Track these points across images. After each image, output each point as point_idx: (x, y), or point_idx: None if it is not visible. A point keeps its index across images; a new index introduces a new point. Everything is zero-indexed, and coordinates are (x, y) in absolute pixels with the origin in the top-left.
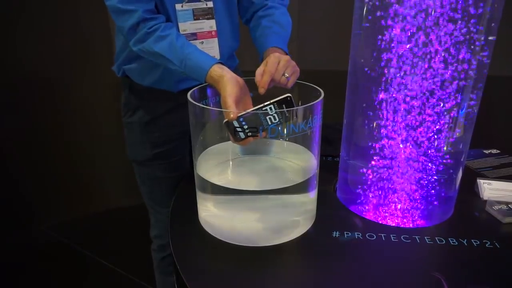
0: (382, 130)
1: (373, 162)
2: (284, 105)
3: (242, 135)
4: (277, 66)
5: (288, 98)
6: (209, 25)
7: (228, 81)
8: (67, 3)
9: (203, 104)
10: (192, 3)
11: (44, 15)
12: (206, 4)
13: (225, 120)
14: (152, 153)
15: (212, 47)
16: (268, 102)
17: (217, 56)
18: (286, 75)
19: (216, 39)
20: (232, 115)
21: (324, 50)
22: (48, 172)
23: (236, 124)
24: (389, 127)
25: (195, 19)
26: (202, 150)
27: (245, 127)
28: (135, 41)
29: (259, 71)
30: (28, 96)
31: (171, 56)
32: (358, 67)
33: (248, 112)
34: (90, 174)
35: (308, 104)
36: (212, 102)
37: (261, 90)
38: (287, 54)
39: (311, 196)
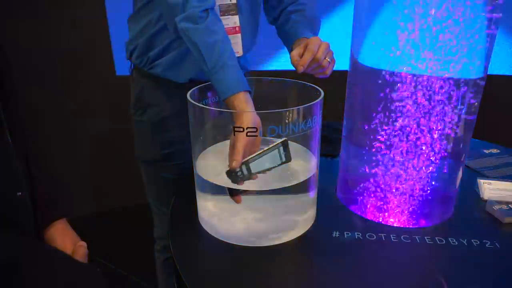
0: (382, 130)
1: (373, 162)
2: (281, 148)
3: (237, 179)
4: (318, 47)
5: (285, 143)
6: (233, 21)
7: (251, 117)
8: (67, 2)
9: (203, 104)
10: None
11: (43, 14)
12: (230, 0)
13: (226, 170)
14: (162, 154)
15: (236, 43)
16: (267, 148)
17: (240, 52)
18: (328, 59)
19: (239, 35)
20: (234, 164)
21: None
22: (48, 172)
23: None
24: (389, 127)
25: (221, 15)
26: (202, 150)
27: (245, 173)
28: (184, 17)
29: (295, 52)
30: (27, 95)
31: (208, 56)
32: (358, 67)
33: (250, 158)
34: (91, 174)
35: (308, 104)
36: (212, 102)
37: (300, 68)
38: None
39: (311, 196)
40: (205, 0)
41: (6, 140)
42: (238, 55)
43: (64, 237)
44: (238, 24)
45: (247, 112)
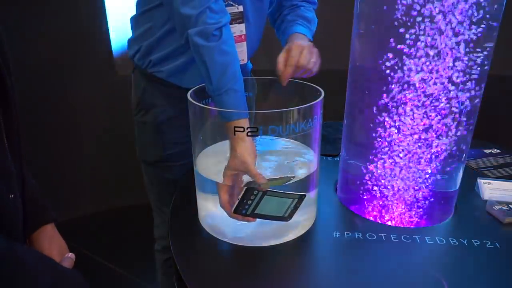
0: (382, 130)
1: (373, 162)
2: (295, 201)
3: (245, 210)
4: (300, 55)
5: (302, 197)
6: (240, 29)
7: (248, 150)
8: (67, 1)
9: (203, 104)
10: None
11: (43, 13)
12: (238, 8)
13: (247, 184)
14: (163, 155)
15: (241, 51)
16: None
17: (245, 60)
18: (313, 60)
19: (245, 43)
20: (262, 180)
21: (324, 50)
22: (47, 172)
23: (250, 197)
24: (389, 127)
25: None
26: (202, 149)
27: (251, 205)
28: (197, 32)
29: (281, 58)
30: (27, 95)
31: (215, 78)
32: (358, 67)
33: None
34: (91, 174)
35: (308, 104)
36: (212, 101)
37: (284, 83)
38: (310, 41)
39: (311, 196)
40: (220, 16)
41: (3, 144)
42: (243, 63)
43: (51, 244)
44: (244, 32)
45: (246, 142)
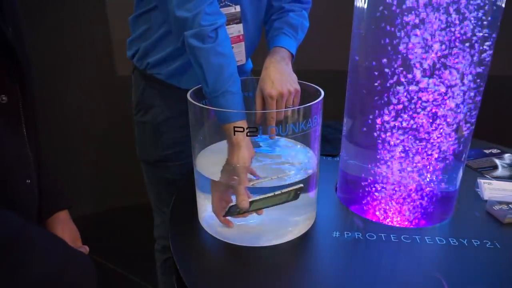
0: (382, 130)
1: (373, 162)
2: (293, 192)
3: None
4: (275, 107)
5: (300, 189)
6: (237, 29)
7: (244, 159)
8: (67, 1)
9: (203, 104)
10: (222, 8)
11: (43, 13)
12: (235, 9)
13: (232, 204)
14: (163, 155)
15: (240, 51)
16: (279, 192)
17: (243, 60)
18: (290, 106)
19: (243, 43)
20: (244, 204)
21: (324, 50)
22: (55, 165)
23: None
24: (389, 127)
25: (226, 25)
26: (202, 149)
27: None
28: (193, 34)
29: (258, 108)
30: None
31: (210, 79)
32: (358, 67)
33: (259, 199)
34: (91, 174)
35: (308, 104)
36: None
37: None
38: (291, 53)
39: (311, 196)
40: (216, 18)
41: (21, 131)
42: (242, 63)
43: (64, 229)
44: (242, 32)
45: (244, 146)
